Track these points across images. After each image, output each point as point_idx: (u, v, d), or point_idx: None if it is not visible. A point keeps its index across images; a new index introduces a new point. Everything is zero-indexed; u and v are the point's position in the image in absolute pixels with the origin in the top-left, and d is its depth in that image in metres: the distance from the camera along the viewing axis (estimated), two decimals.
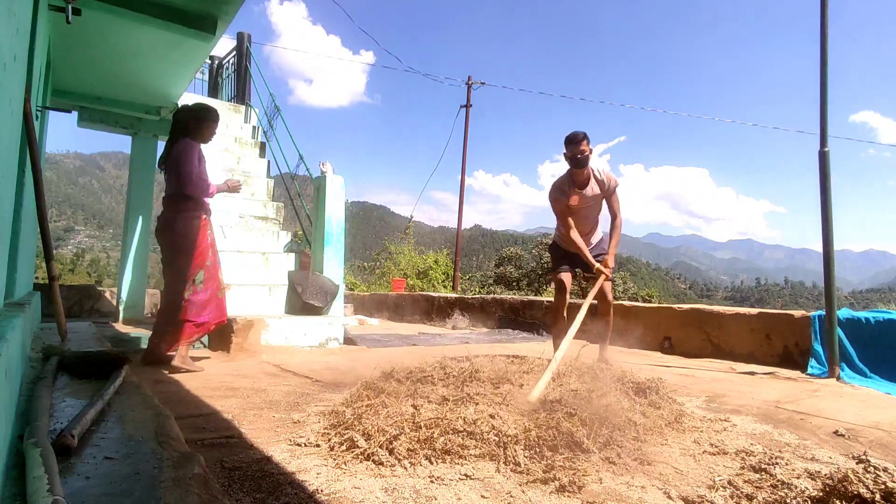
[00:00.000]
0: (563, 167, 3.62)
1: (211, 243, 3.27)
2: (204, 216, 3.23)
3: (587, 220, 3.53)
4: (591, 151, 3.39)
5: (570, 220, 3.45)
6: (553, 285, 3.62)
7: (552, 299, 3.78)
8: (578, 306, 3.28)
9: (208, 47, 4.86)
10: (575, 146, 3.36)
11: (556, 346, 3.48)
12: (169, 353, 3.15)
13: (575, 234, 3.42)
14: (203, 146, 3.31)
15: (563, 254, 3.59)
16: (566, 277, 3.53)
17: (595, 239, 3.60)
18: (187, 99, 6.35)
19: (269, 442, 1.73)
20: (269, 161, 6.34)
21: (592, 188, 3.45)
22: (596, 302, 3.42)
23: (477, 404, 1.91)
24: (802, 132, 17.85)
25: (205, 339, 4.28)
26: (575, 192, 3.44)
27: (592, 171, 3.44)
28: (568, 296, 3.52)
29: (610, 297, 3.55)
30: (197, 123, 3.25)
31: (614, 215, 3.54)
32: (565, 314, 3.51)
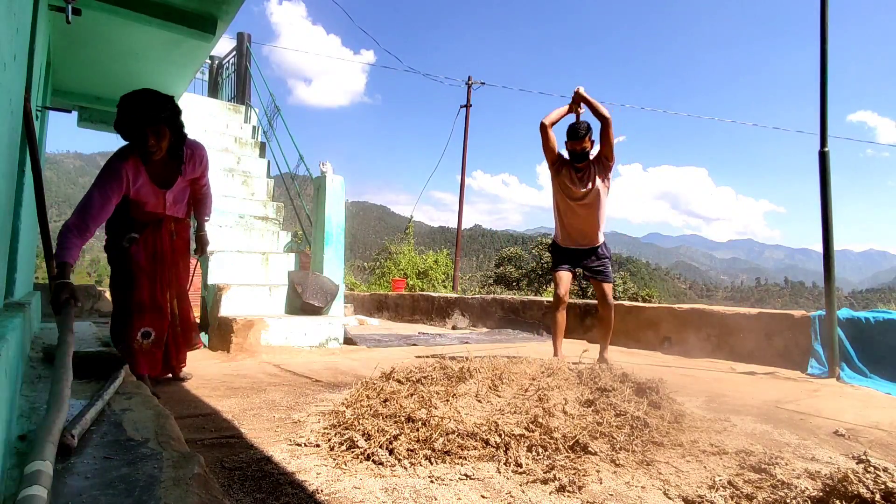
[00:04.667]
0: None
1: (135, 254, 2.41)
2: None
3: (585, 220, 3.45)
4: (592, 145, 3.32)
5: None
6: (553, 284, 3.60)
7: (552, 298, 3.77)
8: (578, 306, 3.28)
9: (208, 47, 4.86)
10: (577, 142, 3.29)
11: (555, 346, 3.48)
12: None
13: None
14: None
15: (562, 253, 3.57)
16: (565, 276, 3.52)
17: (591, 241, 3.48)
18: (187, 99, 6.35)
19: (269, 442, 1.73)
20: (269, 161, 6.34)
21: (590, 173, 3.35)
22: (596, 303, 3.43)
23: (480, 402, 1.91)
24: (802, 132, 17.86)
25: (204, 339, 4.28)
26: (572, 172, 3.36)
27: (591, 158, 3.40)
28: (567, 295, 3.52)
29: (610, 298, 3.55)
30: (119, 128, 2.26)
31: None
32: (564, 313, 3.50)
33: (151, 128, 2.16)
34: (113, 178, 2.19)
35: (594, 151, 3.40)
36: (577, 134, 3.29)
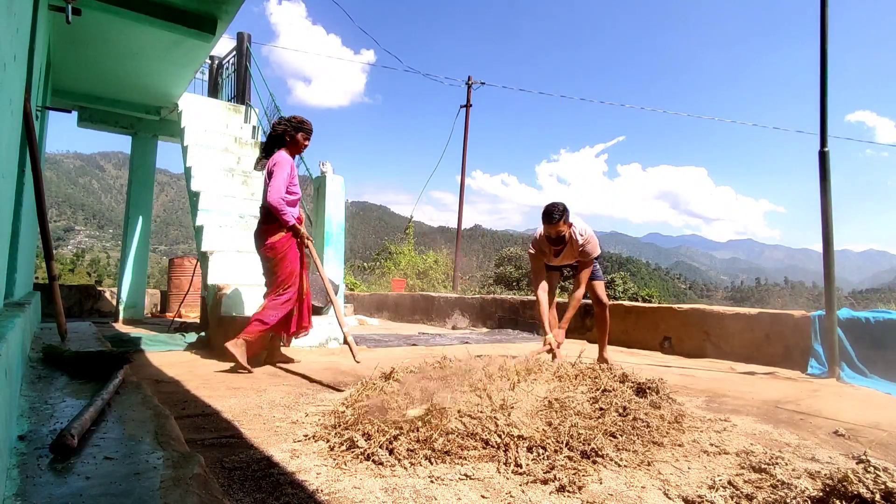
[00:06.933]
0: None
1: (292, 256, 3.30)
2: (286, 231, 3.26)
3: (565, 259, 3.41)
4: (569, 227, 3.19)
5: (543, 283, 3.35)
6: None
7: None
8: (565, 304, 3.27)
9: (208, 47, 4.86)
10: (551, 227, 3.13)
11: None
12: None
13: (542, 295, 3.31)
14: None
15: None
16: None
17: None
18: (187, 99, 6.36)
19: (269, 442, 1.73)
20: None
21: (571, 247, 3.28)
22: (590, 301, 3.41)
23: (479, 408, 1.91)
24: (802, 132, 17.83)
25: (205, 338, 4.28)
26: (553, 252, 3.31)
27: (574, 233, 3.24)
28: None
29: (604, 298, 3.54)
30: (293, 133, 3.36)
31: (577, 284, 3.31)
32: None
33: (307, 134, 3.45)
34: (289, 163, 3.29)
35: (578, 237, 3.26)
36: (551, 218, 3.11)
